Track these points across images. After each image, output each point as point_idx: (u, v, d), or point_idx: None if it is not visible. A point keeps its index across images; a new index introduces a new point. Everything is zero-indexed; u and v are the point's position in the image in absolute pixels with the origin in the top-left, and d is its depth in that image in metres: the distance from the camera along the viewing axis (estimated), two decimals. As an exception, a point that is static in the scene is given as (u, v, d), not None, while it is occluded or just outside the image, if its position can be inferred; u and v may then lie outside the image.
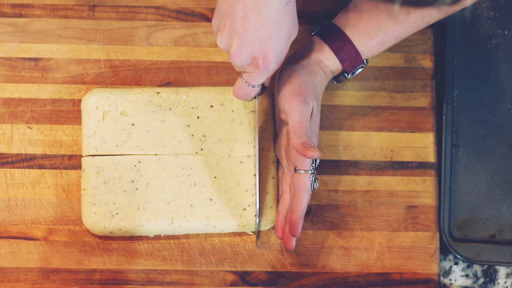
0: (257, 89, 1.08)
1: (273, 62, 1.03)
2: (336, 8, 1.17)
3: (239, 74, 1.09)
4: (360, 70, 1.13)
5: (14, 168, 1.16)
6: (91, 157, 1.14)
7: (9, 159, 1.16)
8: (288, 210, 1.11)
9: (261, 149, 1.15)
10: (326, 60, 1.11)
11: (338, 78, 1.15)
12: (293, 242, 1.11)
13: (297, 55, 1.12)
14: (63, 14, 1.21)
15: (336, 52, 1.11)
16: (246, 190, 1.14)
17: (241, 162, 1.15)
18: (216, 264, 1.15)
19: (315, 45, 1.12)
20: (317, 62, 1.12)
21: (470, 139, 1.21)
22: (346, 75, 1.13)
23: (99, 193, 1.13)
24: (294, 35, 1.03)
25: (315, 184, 1.09)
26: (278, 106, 1.10)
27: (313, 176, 1.08)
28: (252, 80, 1.06)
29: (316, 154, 1.03)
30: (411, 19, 1.10)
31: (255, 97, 1.12)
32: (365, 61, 1.13)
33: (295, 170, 1.09)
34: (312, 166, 1.08)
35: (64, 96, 1.19)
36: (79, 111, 1.18)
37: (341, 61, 1.11)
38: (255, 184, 1.13)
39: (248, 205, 1.14)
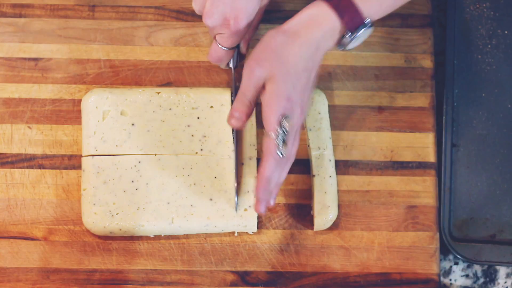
0: (231, 53, 1.11)
1: (244, 22, 1.06)
2: None
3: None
4: (363, 32, 1.06)
5: (14, 168, 1.16)
6: (91, 157, 1.14)
7: (9, 159, 1.16)
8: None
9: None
10: (320, 17, 1.05)
11: (341, 42, 1.07)
12: (261, 206, 1.08)
13: (289, 20, 1.08)
14: (63, 14, 1.21)
15: (335, 6, 1.05)
16: (248, 192, 1.14)
17: (243, 164, 1.15)
18: (216, 264, 1.15)
19: (309, 5, 1.06)
20: (308, 22, 1.06)
21: (470, 139, 1.21)
22: (348, 36, 1.06)
23: (99, 193, 1.13)
24: None
25: (282, 149, 1.05)
26: None
27: (279, 139, 1.05)
28: (225, 41, 1.09)
29: (235, 124, 1.07)
30: None
31: (230, 67, 1.15)
32: (368, 22, 1.06)
33: (264, 132, 1.07)
34: (277, 129, 1.04)
35: (64, 96, 1.19)
36: (79, 111, 1.18)
37: (340, 14, 1.05)
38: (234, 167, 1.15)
39: (250, 206, 1.14)
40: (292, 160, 1.09)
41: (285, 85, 1.05)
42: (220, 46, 1.11)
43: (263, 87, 1.05)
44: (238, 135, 1.16)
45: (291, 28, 1.06)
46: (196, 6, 1.09)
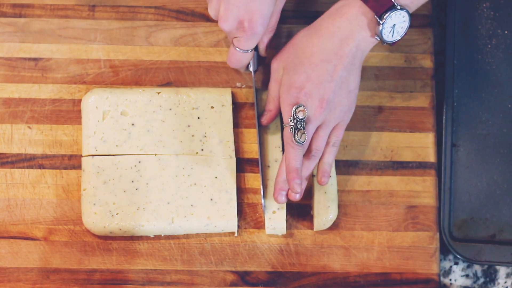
0: (249, 56, 1.12)
1: (259, 24, 1.06)
2: None
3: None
4: (394, 14, 1.05)
5: (14, 168, 1.16)
6: (91, 157, 1.14)
7: (9, 159, 1.16)
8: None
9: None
10: (345, 6, 1.06)
11: (375, 31, 1.07)
12: (282, 196, 1.12)
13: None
14: (63, 14, 1.21)
15: None
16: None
17: (269, 166, 1.15)
18: (216, 264, 1.15)
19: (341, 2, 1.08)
20: (333, 14, 1.07)
21: (470, 139, 1.21)
22: (378, 21, 1.05)
23: (99, 193, 1.13)
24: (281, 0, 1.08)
25: (296, 136, 1.07)
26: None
27: (292, 128, 1.07)
28: (241, 44, 1.09)
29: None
30: None
31: (250, 71, 1.16)
32: (396, 5, 1.05)
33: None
34: (290, 118, 1.07)
35: (64, 96, 1.19)
36: (79, 111, 1.18)
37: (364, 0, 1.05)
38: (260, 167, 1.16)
39: (278, 209, 1.14)
40: (315, 153, 1.11)
41: (297, 75, 1.08)
42: (237, 49, 1.11)
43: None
44: (262, 137, 1.16)
45: (316, 23, 1.09)
46: (211, 12, 1.10)
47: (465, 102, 1.22)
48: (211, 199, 1.14)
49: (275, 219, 1.14)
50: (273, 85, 1.13)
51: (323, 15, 1.10)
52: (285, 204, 1.14)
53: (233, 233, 1.15)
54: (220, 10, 1.07)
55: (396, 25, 1.07)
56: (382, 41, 1.08)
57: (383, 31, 1.06)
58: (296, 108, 1.07)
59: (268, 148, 1.16)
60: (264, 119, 1.15)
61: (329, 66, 1.07)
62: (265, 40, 1.15)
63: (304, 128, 1.08)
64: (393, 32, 1.07)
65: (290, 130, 1.08)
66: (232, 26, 1.07)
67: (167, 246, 1.15)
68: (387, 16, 1.05)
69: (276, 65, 1.12)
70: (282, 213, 1.14)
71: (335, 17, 1.07)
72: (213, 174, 1.14)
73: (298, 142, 1.07)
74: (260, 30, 1.07)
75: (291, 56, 1.10)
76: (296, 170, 1.09)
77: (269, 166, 1.16)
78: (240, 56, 1.12)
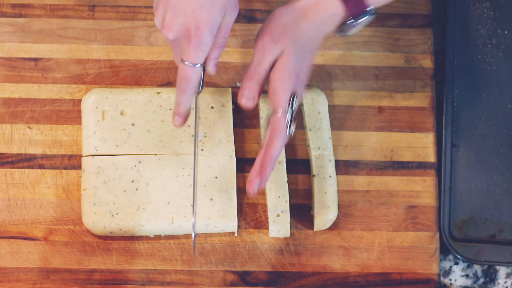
0: (198, 71, 1.04)
1: (206, 33, 1.01)
2: None
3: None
4: (364, 19, 1.05)
5: (14, 168, 1.16)
6: (91, 157, 1.14)
7: (9, 159, 1.16)
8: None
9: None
10: (325, 1, 1.04)
11: (341, 28, 1.07)
12: (254, 186, 1.06)
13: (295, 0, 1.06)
14: (63, 14, 1.21)
15: None
16: (279, 197, 1.14)
17: (272, 169, 1.15)
18: (216, 264, 1.15)
19: None
20: (313, 4, 1.04)
21: (470, 139, 1.21)
22: (349, 22, 1.05)
23: (99, 193, 1.13)
24: (231, 13, 1.03)
25: (291, 129, 1.05)
26: None
27: (289, 120, 1.04)
28: (190, 55, 1.03)
29: (246, 103, 1.03)
30: None
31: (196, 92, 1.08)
32: (370, 9, 1.05)
33: (273, 112, 1.05)
34: (288, 109, 1.04)
35: (64, 96, 1.19)
36: (79, 111, 1.18)
37: (344, 0, 1.04)
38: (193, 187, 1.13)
39: (282, 211, 1.13)
40: None
41: (296, 62, 1.04)
42: (186, 63, 1.04)
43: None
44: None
45: (300, 8, 1.04)
46: (157, 21, 1.04)
47: (465, 102, 1.22)
48: (211, 199, 1.14)
49: (279, 222, 1.14)
50: (264, 66, 1.05)
51: (304, 1, 1.05)
52: (288, 207, 1.13)
53: (233, 233, 1.15)
54: (166, 18, 1.02)
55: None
56: (342, 35, 1.08)
57: (350, 30, 1.06)
58: (294, 97, 1.04)
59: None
60: (247, 102, 1.06)
61: (312, 55, 1.06)
62: (213, 55, 1.06)
63: (295, 119, 1.05)
64: (355, 29, 1.07)
65: (287, 120, 1.04)
66: (178, 34, 1.02)
67: (167, 246, 1.15)
68: (360, 21, 1.05)
69: (274, 48, 1.04)
70: (286, 216, 1.14)
71: (318, 9, 1.04)
72: (213, 174, 1.14)
73: (290, 134, 1.05)
74: (208, 40, 1.02)
75: (289, 40, 1.04)
76: (275, 160, 1.06)
77: (272, 169, 1.15)
78: (189, 72, 1.04)
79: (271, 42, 1.04)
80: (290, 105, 1.04)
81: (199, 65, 1.04)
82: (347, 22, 1.05)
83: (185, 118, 1.09)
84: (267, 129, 1.07)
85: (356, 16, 1.04)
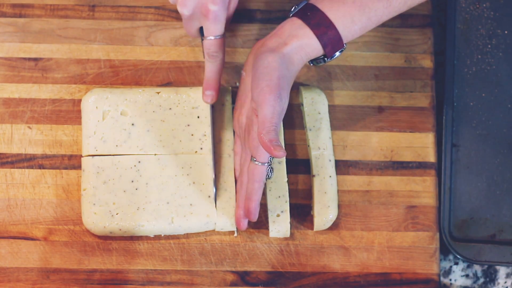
0: (221, 43, 1.10)
1: (221, 5, 1.07)
2: None
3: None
4: (338, 54, 1.08)
5: (14, 168, 1.16)
6: (91, 157, 1.14)
7: (9, 159, 1.16)
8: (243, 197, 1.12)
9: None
10: (308, 46, 1.07)
11: (316, 60, 1.10)
12: (244, 224, 1.12)
13: (277, 40, 1.08)
14: (63, 14, 1.21)
15: (319, 37, 1.06)
16: (279, 197, 1.14)
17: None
18: (216, 264, 1.15)
19: (297, 29, 1.07)
20: (298, 49, 1.07)
21: (470, 139, 1.21)
22: (325, 59, 1.09)
23: (99, 193, 1.13)
24: None
25: (270, 174, 1.09)
26: (251, 93, 1.07)
27: (269, 167, 1.09)
28: (210, 30, 1.09)
29: (282, 154, 1.02)
30: (394, 3, 1.07)
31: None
32: (345, 45, 1.08)
33: (252, 159, 1.08)
34: (270, 158, 1.08)
35: (64, 96, 1.19)
36: (79, 111, 1.18)
37: (324, 46, 1.07)
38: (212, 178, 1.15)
39: (282, 212, 1.13)
40: None
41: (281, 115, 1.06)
42: (210, 37, 1.10)
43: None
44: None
45: (287, 55, 1.06)
46: None
47: (465, 102, 1.22)
48: (209, 196, 1.14)
49: (279, 222, 1.14)
50: (279, 119, 1.06)
51: (290, 45, 1.06)
52: (288, 207, 1.13)
53: (233, 233, 1.15)
54: None
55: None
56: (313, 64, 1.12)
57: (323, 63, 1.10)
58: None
59: None
60: (280, 153, 1.04)
61: None
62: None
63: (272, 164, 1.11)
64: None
65: (267, 170, 1.09)
66: (193, 10, 1.09)
67: (167, 246, 1.15)
68: (334, 56, 1.09)
69: (280, 101, 1.05)
70: (286, 216, 1.14)
71: (300, 53, 1.07)
72: (212, 172, 1.14)
73: (270, 178, 1.11)
74: (223, 11, 1.08)
75: (288, 92, 1.06)
76: (259, 203, 1.11)
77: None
78: (215, 43, 1.11)
79: (279, 98, 1.04)
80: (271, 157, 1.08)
81: (219, 36, 1.10)
82: (322, 59, 1.09)
83: (217, 91, 1.14)
84: (241, 171, 1.12)
85: (332, 55, 1.08)
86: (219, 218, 1.13)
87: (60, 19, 1.21)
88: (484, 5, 1.24)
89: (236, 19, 1.21)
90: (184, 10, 1.09)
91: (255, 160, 1.08)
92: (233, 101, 1.18)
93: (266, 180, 1.10)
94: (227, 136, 1.16)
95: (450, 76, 1.22)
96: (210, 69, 1.13)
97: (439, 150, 1.20)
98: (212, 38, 1.10)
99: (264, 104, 1.04)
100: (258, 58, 1.06)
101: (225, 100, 1.17)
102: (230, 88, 1.18)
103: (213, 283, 1.14)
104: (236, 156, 1.15)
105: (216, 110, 1.17)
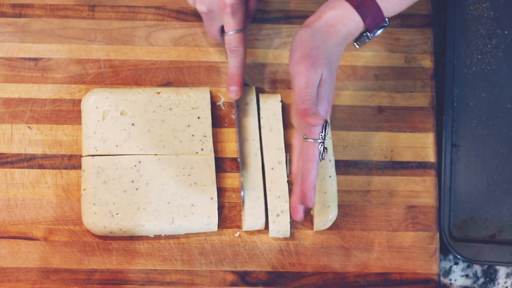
0: (242, 37, 1.12)
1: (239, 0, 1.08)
2: None
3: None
4: (381, 30, 1.07)
5: (14, 168, 1.16)
6: (91, 157, 1.14)
7: (9, 159, 1.16)
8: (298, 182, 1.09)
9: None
10: (345, 18, 1.05)
11: (360, 39, 1.08)
12: (301, 213, 1.09)
13: (313, 17, 1.07)
14: (63, 14, 1.21)
15: (357, 8, 1.05)
16: (279, 197, 1.14)
17: (272, 169, 1.15)
18: (216, 264, 1.15)
19: (332, 2, 1.06)
20: (334, 22, 1.06)
21: (470, 139, 1.21)
22: (368, 34, 1.07)
23: (99, 193, 1.13)
24: None
25: (324, 154, 1.06)
26: (289, 69, 1.07)
27: (321, 145, 1.05)
28: (230, 25, 1.11)
29: (316, 122, 1.01)
30: None
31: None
32: (386, 20, 1.06)
33: (304, 138, 1.06)
34: (321, 135, 1.05)
35: (64, 96, 1.19)
36: (79, 111, 1.18)
37: (363, 17, 1.05)
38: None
39: (282, 212, 1.13)
40: None
41: (331, 89, 1.06)
42: (230, 32, 1.11)
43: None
44: (264, 139, 1.16)
45: (323, 27, 1.06)
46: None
47: (465, 102, 1.22)
48: (211, 198, 1.14)
49: (279, 222, 1.14)
50: (314, 89, 1.05)
51: (325, 19, 1.06)
52: (288, 207, 1.13)
53: (233, 232, 1.15)
54: None
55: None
56: (360, 46, 1.10)
57: (366, 41, 1.08)
58: (327, 124, 1.05)
59: (271, 150, 1.16)
60: (318, 121, 1.04)
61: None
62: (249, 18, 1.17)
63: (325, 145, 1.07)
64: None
65: (320, 147, 1.05)
66: (210, 5, 1.10)
67: (167, 246, 1.15)
68: (377, 32, 1.07)
69: (318, 72, 1.05)
70: (286, 216, 1.14)
71: (339, 27, 1.06)
72: (214, 173, 1.14)
73: (323, 158, 1.06)
74: (241, 5, 1.09)
75: (326, 65, 1.05)
76: (314, 186, 1.07)
77: (272, 168, 1.15)
78: (235, 37, 1.12)
79: (313, 66, 1.04)
80: (324, 132, 1.05)
81: (239, 30, 1.12)
82: (365, 35, 1.07)
83: (241, 86, 1.15)
84: (298, 155, 1.10)
85: (374, 29, 1.06)
86: (247, 217, 1.13)
87: (60, 19, 1.21)
88: (484, 5, 1.24)
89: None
90: (202, 7, 1.11)
91: (306, 138, 1.06)
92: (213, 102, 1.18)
93: (320, 160, 1.06)
94: (253, 135, 1.16)
95: (450, 76, 1.22)
96: (233, 64, 1.14)
97: (439, 150, 1.20)
98: (232, 32, 1.11)
99: (297, 75, 1.04)
100: (295, 35, 1.07)
101: (249, 99, 1.17)
102: (254, 87, 1.18)
103: (213, 283, 1.14)
104: (294, 151, 1.12)
105: (241, 110, 1.17)
